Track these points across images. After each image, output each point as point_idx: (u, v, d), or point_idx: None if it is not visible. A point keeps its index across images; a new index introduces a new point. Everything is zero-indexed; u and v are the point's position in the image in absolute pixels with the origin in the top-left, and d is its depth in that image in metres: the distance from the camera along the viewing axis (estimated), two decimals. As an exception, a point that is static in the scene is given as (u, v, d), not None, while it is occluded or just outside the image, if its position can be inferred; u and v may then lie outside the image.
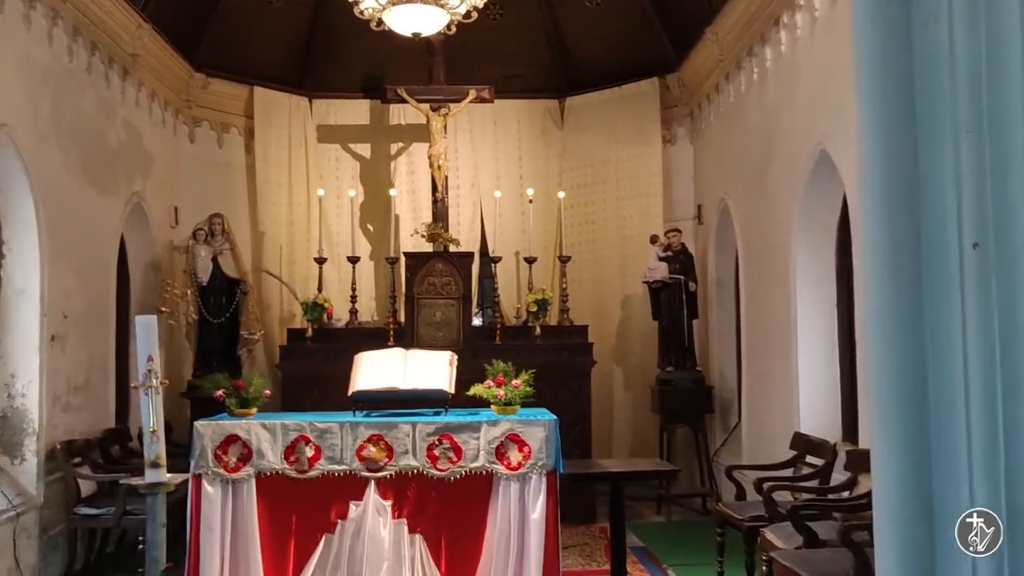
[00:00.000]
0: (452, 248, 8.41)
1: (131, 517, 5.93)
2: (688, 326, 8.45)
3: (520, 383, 5.17)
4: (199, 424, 5.09)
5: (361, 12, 6.30)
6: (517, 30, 9.56)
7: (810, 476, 5.70)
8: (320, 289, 8.45)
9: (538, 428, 5.03)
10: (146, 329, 3.64)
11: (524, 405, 5.25)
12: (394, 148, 9.70)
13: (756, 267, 7.55)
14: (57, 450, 6.08)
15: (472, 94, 8.67)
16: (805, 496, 5.29)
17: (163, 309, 8.02)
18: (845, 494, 5.17)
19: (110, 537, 6.66)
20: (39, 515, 5.90)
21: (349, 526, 4.97)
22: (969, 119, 1.61)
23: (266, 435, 5.04)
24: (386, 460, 5.02)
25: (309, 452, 5.03)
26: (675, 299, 8.42)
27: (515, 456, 5.00)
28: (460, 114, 8.95)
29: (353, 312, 8.44)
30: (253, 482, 5.01)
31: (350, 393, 5.31)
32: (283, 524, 5.01)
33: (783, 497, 5.40)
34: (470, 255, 8.54)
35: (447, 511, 4.99)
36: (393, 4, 6.08)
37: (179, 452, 6.45)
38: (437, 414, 5.21)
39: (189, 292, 8.24)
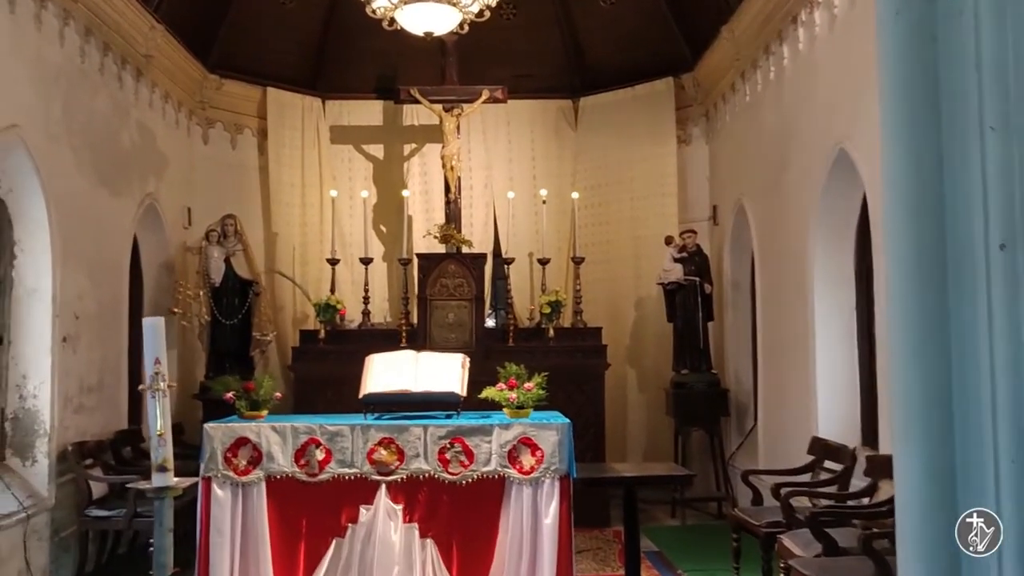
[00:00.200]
0: (465, 249, 8.36)
1: (142, 519, 5.90)
2: (703, 328, 8.36)
3: (533, 386, 5.10)
4: (209, 426, 5.05)
5: (373, 11, 6.25)
6: (530, 30, 9.50)
7: (829, 482, 5.60)
8: (333, 290, 8.41)
9: (551, 432, 4.96)
10: (154, 331, 3.59)
11: (537, 408, 5.18)
12: (407, 149, 9.66)
13: (772, 268, 7.45)
14: (69, 452, 6.07)
15: (485, 94, 8.61)
16: (824, 502, 5.18)
17: (176, 310, 8.01)
18: (865, 501, 5.07)
19: (122, 539, 6.63)
20: (50, 517, 5.88)
21: (360, 530, 4.92)
22: (995, 115, 1.56)
23: (276, 438, 5.00)
24: (397, 463, 4.96)
25: (320, 455, 4.98)
26: (690, 301, 8.33)
27: (528, 460, 4.93)
28: (473, 114, 8.90)
29: (366, 313, 8.40)
30: (263, 485, 4.96)
31: (361, 395, 5.26)
32: (293, 528, 4.96)
33: (801, 503, 5.30)
34: (483, 256, 8.48)
35: (459, 516, 4.93)
36: (405, 3, 6.03)
37: (191, 454, 6.43)
38: (449, 417, 5.15)
39: (202, 293, 8.23)
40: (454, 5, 6.13)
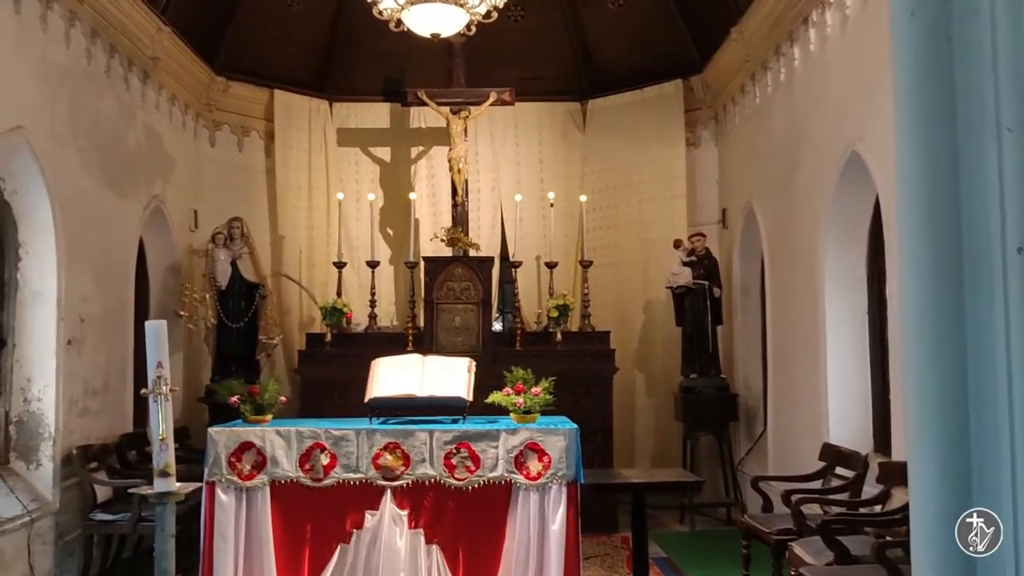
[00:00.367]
0: (472, 252, 8.31)
1: (147, 523, 5.85)
2: (712, 332, 8.29)
3: (540, 391, 5.05)
4: (213, 430, 5.01)
5: (380, 12, 6.21)
6: (538, 32, 9.45)
7: (840, 488, 5.52)
8: (339, 294, 8.37)
9: (558, 437, 4.91)
10: (156, 334, 3.54)
11: (544, 413, 5.13)
12: (414, 152, 9.62)
13: (783, 272, 7.38)
14: (73, 455, 6.03)
15: (493, 96, 8.57)
16: (835, 510, 5.11)
17: (182, 313, 7.99)
18: (878, 508, 4.99)
19: (126, 543, 6.60)
20: (54, 521, 5.85)
21: (365, 536, 4.88)
22: (1012, 116, 1.53)
23: (281, 442, 4.96)
24: (403, 469, 4.91)
25: (324, 460, 4.93)
26: (699, 305, 8.26)
27: (535, 466, 4.87)
28: (480, 117, 8.85)
29: (372, 317, 8.35)
30: (267, 490, 4.93)
31: (367, 400, 5.21)
32: (297, 533, 4.92)
33: (812, 510, 5.23)
34: (490, 260, 8.42)
35: (465, 521, 4.88)
36: (412, 4, 5.98)
37: (196, 458, 6.39)
38: (455, 422, 5.11)
39: (208, 296, 8.20)
40: (461, 6, 6.08)
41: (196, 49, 8.20)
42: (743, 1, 7.58)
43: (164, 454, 3.53)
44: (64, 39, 6.16)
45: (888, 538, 4.42)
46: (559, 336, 8.05)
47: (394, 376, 5.28)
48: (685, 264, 8.32)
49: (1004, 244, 1.51)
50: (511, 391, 5.07)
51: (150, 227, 7.79)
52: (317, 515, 4.92)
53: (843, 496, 5.41)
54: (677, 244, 8.49)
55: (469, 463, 4.90)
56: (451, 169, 8.63)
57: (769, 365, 7.75)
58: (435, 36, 6.35)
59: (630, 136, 9.35)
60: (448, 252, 8.32)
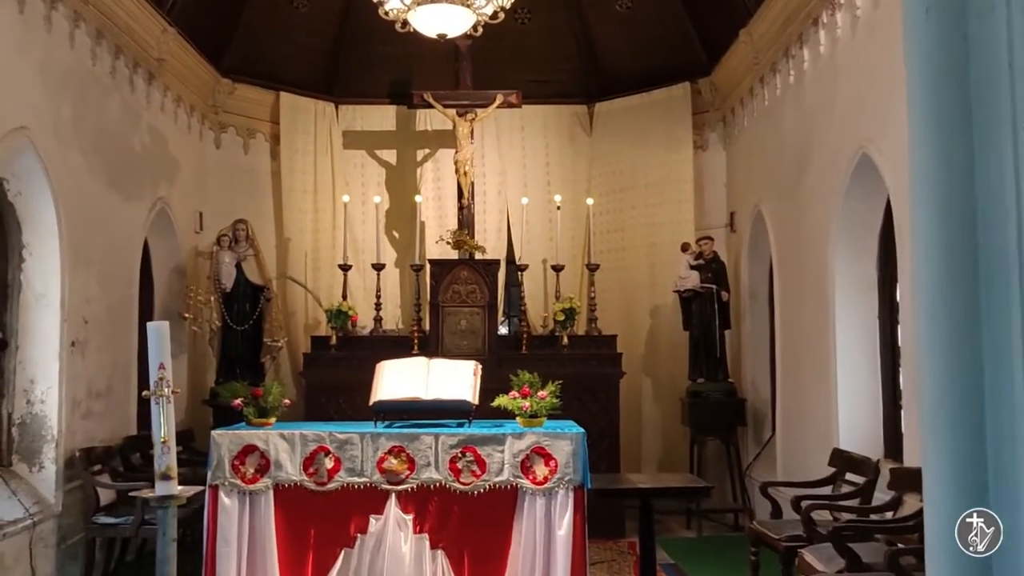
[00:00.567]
0: (478, 255, 8.27)
1: (150, 527, 5.79)
2: (720, 336, 8.23)
3: (546, 394, 4.99)
4: (216, 433, 4.97)
5: (386, 13, 6.17)
6: (545, 34, 9.42)
7: (851, 495, 5.44)
8: (345, 296, 8.33)
9: (565, 441, 4.85)
10: (158, 335, 3.49)
11: (550, 417, 5.07)
12: (420, 154, 9.59)
13: (792, 276, 7.31)
14: (76, 458, 5.99)
15: (499, 99, 8.53)
16: (846, 516, 5.03)
17: (186, 315, 7.96)
18: (889, 515, 4.92)
19: (129, 546, 6.55)
20: (57, 524, 5.81)
21: (369, 540, 4.82)
22: None
23: (284, 445, 4.91)
24: (407, 473, 4.86)
25: (329, 464, 4.88)
26: (707, 309, 8.20)
27: (541, 470, 4.82)
28: (487, 119, 8.82)
29: (378, 320, 8.31)
30: (271, 494, 4.88)
31: (371, 403, 5.16)
32: (301, 538, 4.87)
33: (821, 516, 5.16)
34: (496, 263, 8.37)
35: (470, 526, 4.83)
36: (418, 4, 5.94)
37: (200, 461, 6.34)
38: (460, 426, 5.05)
39: (213, 298, 8.16)
40: (467, 6, 6.03)
41: (202, 51, 8.18)
42: (752, 3, 7.53)
43: (166, 457, 3.48)
44: (69, 40, 6.13)
45: (900, 545, 4.35)
46: (565, 340, 7.99)
47: (399, 379, 5.23)
48: (693, 268, 8.27)
49: (1021, 247, 1.47)
50: (517, 395, 5.01)
51: (155, 229, 7.77)
52: (321, 519, 4.87)
53: (854, 502, 5.33)
54: (685, 248, 8.43)
55: (475, 467, 4.84)
56: (457, 172, 8.59)
57: (777, 370, 7.68)
58: (441, 37, 6.30)
59: (637, 139, 9.30)
60: (454, 255, 8.28)
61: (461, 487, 4.84)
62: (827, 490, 5.75)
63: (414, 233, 8.78)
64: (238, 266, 8.34)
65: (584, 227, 8.95)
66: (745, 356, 8.56)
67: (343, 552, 4.84)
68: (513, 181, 9.53)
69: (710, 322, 8.19)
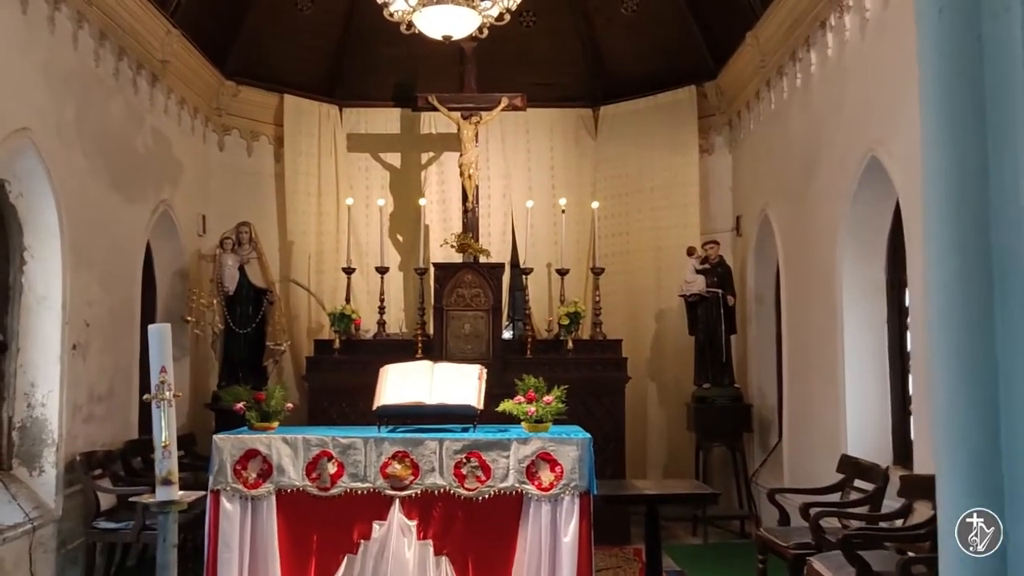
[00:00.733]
0: (482, 259, 8.22)
1: (151, 532, 5.74)
2: (726, 341, 8.17)
3: (552, 399, 4.93)
4: (218, 438, 4.92)
5: (391, 14, 6.12)
6: (550, 37, 9.38)
7: (860, 502, 5.38)
8: (348, 300, 8.29)
9: (571, 447, 4.79)
10: (159, 338, 3.44)
11: (556, 422, 5.01)
12: (424, 157, 9.54)
13: (799, 280, 7.25)
14: (77, 462, 5.94)
15: (504, 102, 8.49)
16: (855, 524, 4.96)
17: (189, 318, 7.91)
18: (899, 523, 4.85)
19: (130, 552, 6.49)
20: (57, 528, 5.76)
21: (372, 547, 4.76)
22: None
23: (287, 450, 4.85)
24: (411, 478, 4.80)
25: (332, 469, 4.83)
26: (712, 313, 8.14)
27: (547, 476, 4.75)
28: (492, 122, 8.77)
29: (381, 323, 8.26)
30: (273, 499, 4.82)
31: (375, 407, 5.11)
32: (304, 544, 4.81)
33: (830, 524, 5.09)
34: (500, 266, 8.33)
35: (475, 533, 4.77)
36: (423, 5, 5.89)
37: (202, 465, 6.28)
38: (465, 431, 4.99)
39: (215, 301, 8.11)
40: (473, 7, 5.98)
41: (206, 53, 8.14)
42: (758, 6, 7.48)
43: (166, 461, 3.42)
44: (72, 41, 6.09)
45: (912, 554, 4.29)
46: (570, 344, 7.95)
47: (403, 383, 5.17)
48: (698, 272, 8.21)
49: (1036, 252, 1.44)
50: (523, 399, 4.95)
51: (158, 232, 7.72)
52: (324, 525, 4.81)
53: (863, 509, 5.27)
54: (690, 252, 8.37)
55: (479, 473, 4.78)
56: (462, 175, 8.55)
57: (784, 375, 7.61)
58: (446, 38, 6.25)
59: (643, 142, 9.25)
60: (458, 258, 8.23)
61: (466, 493, 4.78)
62: (835, 497, 5.68)
63: (418, 236, 8.73)
64: (241, 269, 8.30)
65: (589, 231, 8.90)
66: (751, 361, 8.49)
67: (346, 558, 4.78)
68: (518, 184, 9.48)
69: (716, 326, 8.14)
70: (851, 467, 5.73)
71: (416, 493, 4.80)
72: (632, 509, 7.23)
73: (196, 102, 8.46)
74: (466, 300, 7.95)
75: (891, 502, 5.14)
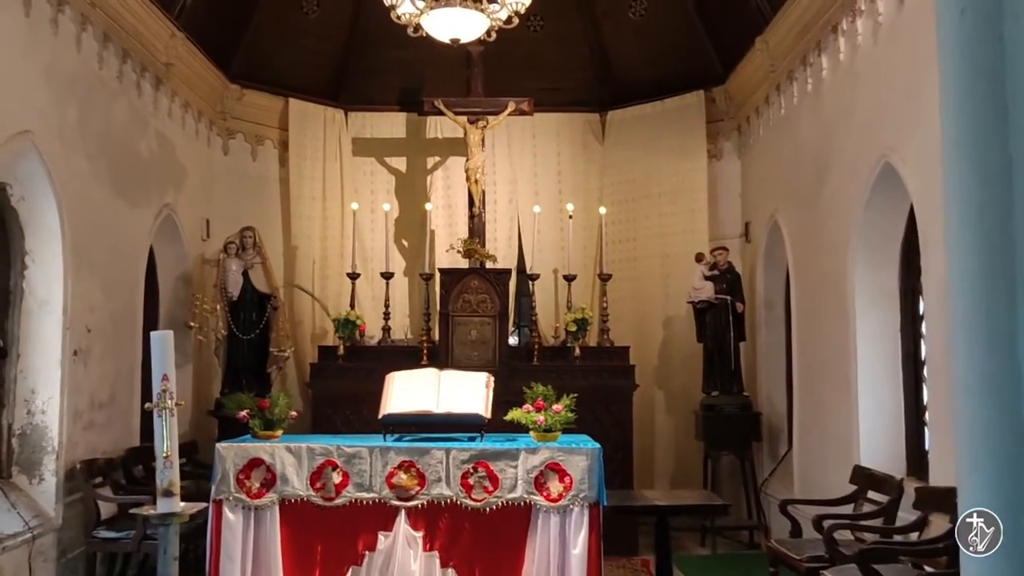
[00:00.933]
0: (488, 264, 8.13)
1: (152, 542, 5.65)
2: (735, 349, 8.07)
3: (561, 408, 4.84)
4: (220, 446, 4.84)
5: (399, 17, 6.05)
6: (558, 42, 9.31)
7: (873, 514, 5.27)
8: (353, 305, 8.20)
9: (580, 457, 4.70)
10: (162, 345, 3.37)
11: (564, 431, 4.92)
12: (430, 162, 9.47)
13: (809, 287, 7.15)
14: (77, 470, 5.86)
15: (511, 106, 8.42)
16: (869, 536, 4.86)
17: (192, 324, 7.83)
18: (914, 536, 4.75)
19: (131, 561, 6.40)
20: (57, 538, 5.67)
21: (377, 558, 4.69)
22: None
23: (291, 459, 4.77)
24: (418, 488, 4.72)
25: (336, 478, 4.75)
26: (721, 320, 8.04)
27: (555, 487, 4.67)
28: (498, 127, 8.70)
29: (386, 329, 8.18)
30: (276, 509, 4.75)
31: (380, 416, 5.02)
32: (307, 555, 4.73)
33: (842, 536, 4.99)
34: (507, 272, 8.24)
35: (482, 544, 4.69)
36: (431, 8, 5.82)
37: (205, 473, 6.21)
38: (472, 440, 4.91)
39: (219, 307, 8.03)
40: (481, 11, 5.91)
41: (210, 56, 8.08)
42: (768, 11, 7.40)
43: (168, 472, 3.35)
44: (75, 43, 6.03)
45: (929, 568, 4.19)
46: (577, 351, 7.86)
47: (409, 391, 5.09)
48: (707, 278, 8.12)
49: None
50: (531, 408, 4.86)
51: (161, 236, 7.65)
52: (328, 536, 4.73)
53: (877, 522, 5.16)
54: (699, 258, 8.28)
55: (487, 483, 4.70)
56: (468, 180, 8.48)
57: (794, 383, 7.51)
58: (454, 42, 6.18)
59: (650, 148, 9.17)
60: (464, 264, 8.14)
61: (473, 504, 4.69)
62: (848, 508, 5.57)
63: (424, 241, 8.65)
64: (245, 274, 8.21)
65: (596, 236, 8.82)
66: (760, 369, 8.39)
67: (351, 570, 4.72)
68: (524, 189, 9.40)
69: (724, 334, 8.04)
70: (864, 478, 5.63)
71: (422, 503, 4.72)
72: (640, 519, 7.13)
73: (200, 105, 8.39)
74: (472, 306, 7.86)
75: (905, 514, 5.04)
